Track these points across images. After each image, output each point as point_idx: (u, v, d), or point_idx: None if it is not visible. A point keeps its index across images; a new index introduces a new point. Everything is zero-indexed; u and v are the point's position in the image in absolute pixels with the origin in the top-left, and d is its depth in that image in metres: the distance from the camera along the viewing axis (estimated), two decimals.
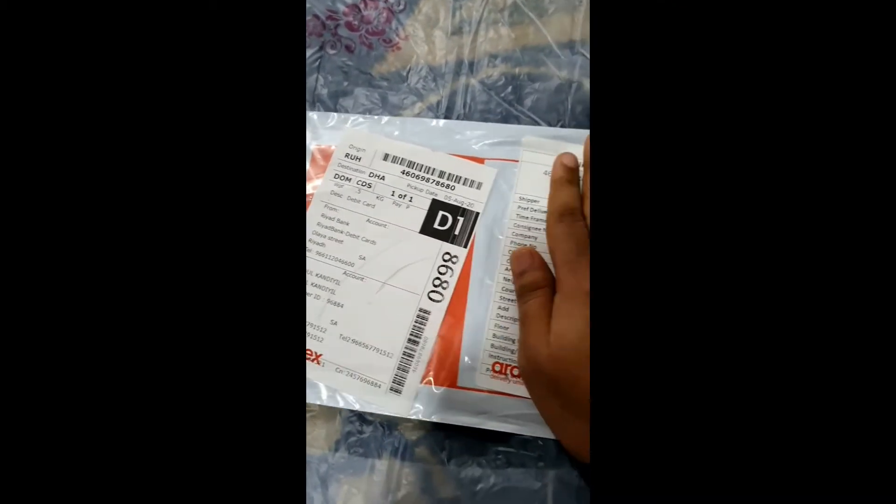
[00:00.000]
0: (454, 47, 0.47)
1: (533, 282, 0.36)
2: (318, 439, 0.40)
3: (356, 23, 0.47)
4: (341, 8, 0.48)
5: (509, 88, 0.45)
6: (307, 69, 0.46)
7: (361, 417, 0.40)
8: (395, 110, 0.46)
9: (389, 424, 0.40)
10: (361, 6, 0.47)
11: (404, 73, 0.46)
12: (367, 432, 0.40)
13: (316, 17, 0.47)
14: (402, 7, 0.47)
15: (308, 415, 0.41)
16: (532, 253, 0.37)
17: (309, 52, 0.46)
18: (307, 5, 0.47)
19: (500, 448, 0.39)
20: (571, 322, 0.31)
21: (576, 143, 0.41)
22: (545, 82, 0.45)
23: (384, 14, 0.48)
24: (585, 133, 0.42)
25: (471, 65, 0.46)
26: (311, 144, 0.45)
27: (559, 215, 0.36)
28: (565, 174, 0.38)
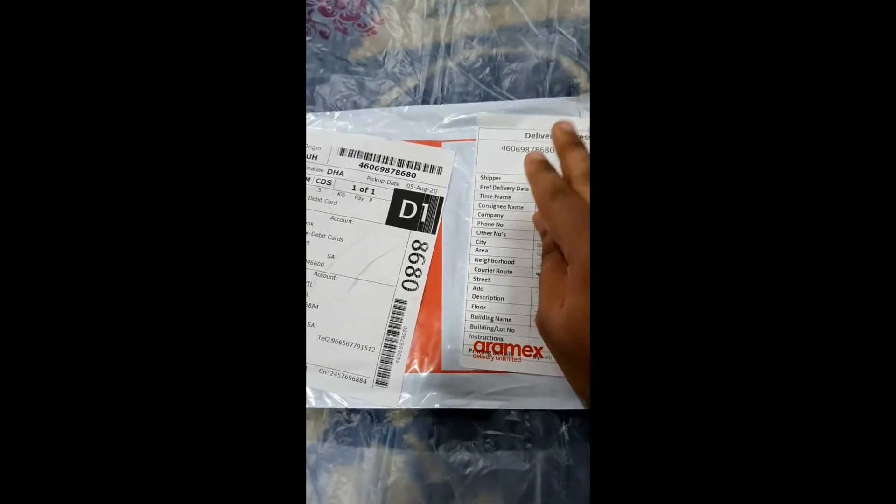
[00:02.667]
0: (430, 30, 0.49)
1: (548, 243, 0.39)
2: (306, 430, 0.44)
3: (330, 7, 0.50)
4: None
5: (487, 70, 0.49)
6: None
7: (350, 408, 0.44)
8: (372, 96, 0.49)
9: (377, 413, 0.44)
10: None
11: (381, 58, 0.49)
12: (354, 421, 0.44)
13: None
14: None
15: None
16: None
17: None
18: None
19: (489, 431, 0.43)
20: (583, 297, 0.34)
21: (531, 114, 0.46)
22: (523, 62, 0.48)
23: None
24: (539, 102, 0.46)
25: (448, 47, 0.49)
26: None
27: (551, 195, 0.38)
28: (539, 166, 0.40)
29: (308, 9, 0.50)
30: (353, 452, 0.44)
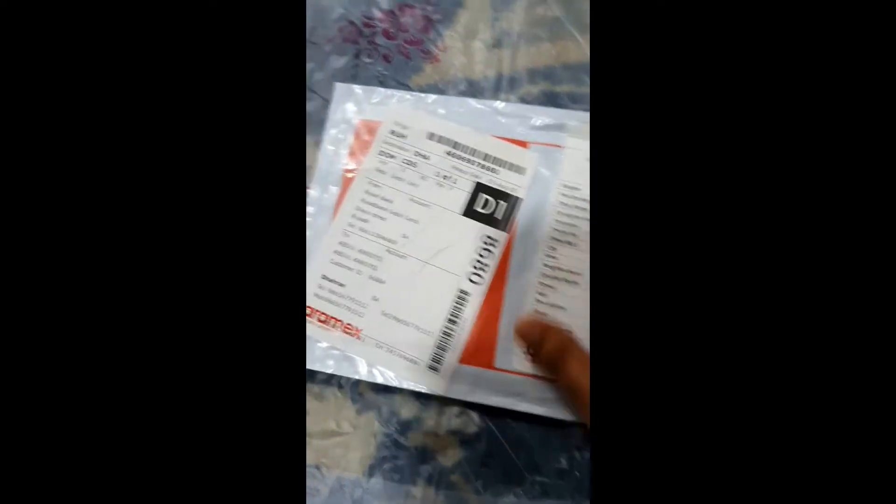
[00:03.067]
0: (494, 61, 0.50)
1: (557, 348, 0.39)
2: (352, 462, 0.43)
3: (393, 31, 0.51)
4: (377, 14, 0.51)
5: (550, 107, 0.49)
6: (342, 76, 0.50)
7: (397, 443, 0.43)
8: None
9: (424, 450, 0.43)
10: (397, 12, 0.51)
11: (442, 87, 0.50)
12: (402, 458, 0.43)
13: (351, 23, 0.51)
14: (439, 16, 0.51)
15: (342, 437, 0.44)
16: (533, 322, 0.42)
17: (343, 60, 0.51)
18: (342, 10, 0.51)
19: (537, 478, 0.42)
20: None
21: None
22: (586, 104, 0.49)
23: (421, 22, 0.51)
24: None
25: (510, 81, 0.50)
26: (356, 118, 0.49)
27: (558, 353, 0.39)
28: (539, 329, 0.42)
29: (371, 31, 0.51)
30: (400, 490, 0.43)
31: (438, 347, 0.42)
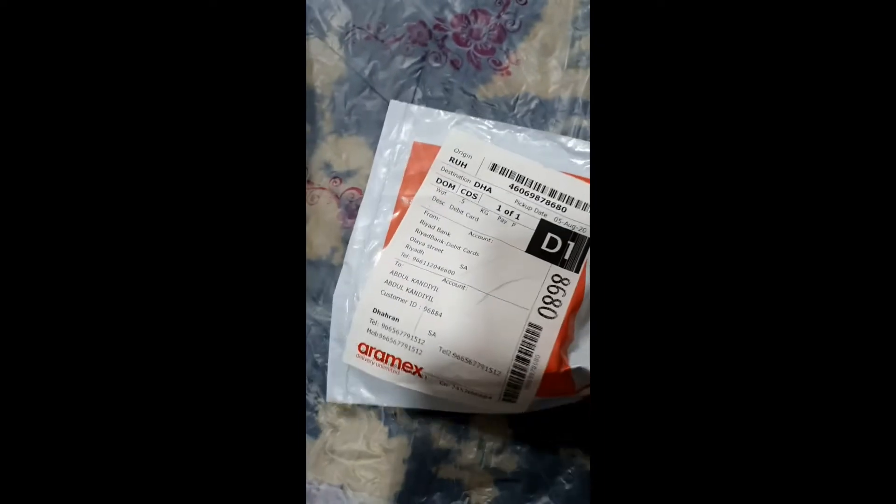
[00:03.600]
0: (570, 83, 0.47)
1: None
2: (379, 488, 0.43)
3: (465, 36, 0.48)
4: (449, 17, 0.48)
5: None
6: (406, 79, 0.47)
7: (429, 473, 0.43)
8: None
9: (458, 484, 0.43)
10: (471, 18, 0.48)
11: (511, 102, 0.47)
12: (433, 491, 0.43)
13: (422, 23, 0.48)
14: (515, 26, 0.48)
15: (370, 459, 0.44)
16: None
17: (410, 62, 0.47)
18: (414, 9, 0.48)
19: None
20: None
21: None
22: None
23: (495, 31, 0.48)
24: None
25: (585, 105, 0.46)
26: (412, 139, 0.46)
27: None
28: None
29: (442, 34, 0.48)
30: None
31: (510, 385, 0.40)
